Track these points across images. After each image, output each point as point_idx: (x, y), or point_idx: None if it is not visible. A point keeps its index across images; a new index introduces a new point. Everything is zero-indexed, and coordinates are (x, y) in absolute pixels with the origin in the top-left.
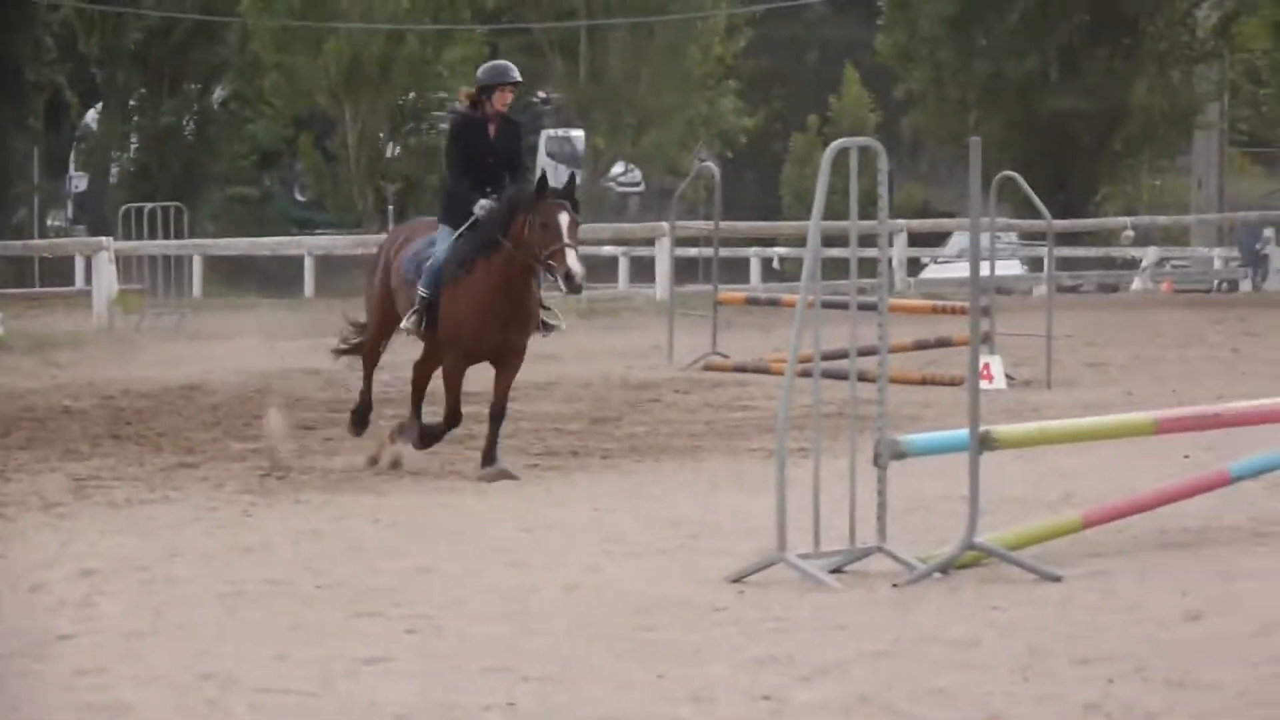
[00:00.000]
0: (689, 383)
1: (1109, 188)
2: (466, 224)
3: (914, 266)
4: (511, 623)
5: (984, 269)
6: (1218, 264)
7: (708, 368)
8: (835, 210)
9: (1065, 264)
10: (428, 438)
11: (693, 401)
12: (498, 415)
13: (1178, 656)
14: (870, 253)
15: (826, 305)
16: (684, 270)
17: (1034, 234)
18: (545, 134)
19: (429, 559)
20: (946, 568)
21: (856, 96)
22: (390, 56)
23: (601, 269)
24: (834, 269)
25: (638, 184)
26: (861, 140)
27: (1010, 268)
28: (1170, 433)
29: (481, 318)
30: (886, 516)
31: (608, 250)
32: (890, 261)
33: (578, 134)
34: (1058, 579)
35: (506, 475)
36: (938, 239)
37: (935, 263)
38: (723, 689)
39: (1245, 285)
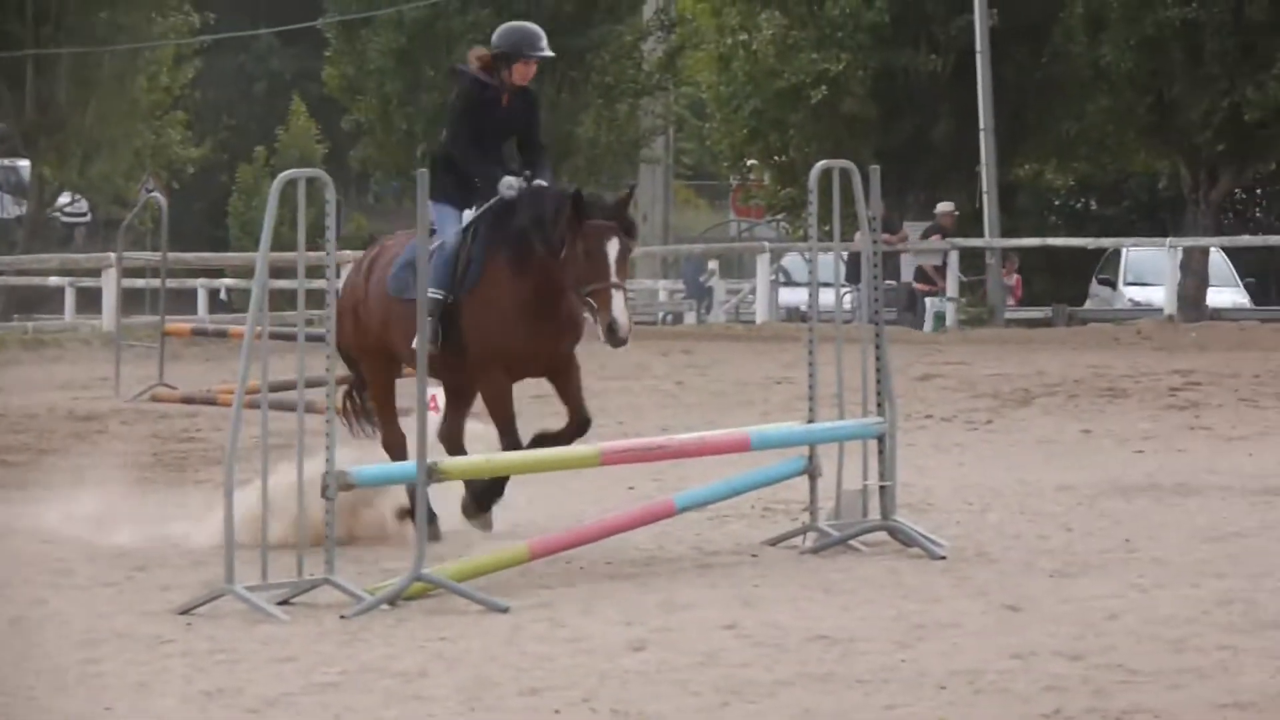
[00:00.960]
0: (136, 414)
1: None
2: (485, 206)
3: None
4: None
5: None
6: (663, 296)
7: (155, 399)
8: (283, 241)
9: None
10: (484, 497)
11: (140, 432)
12: (583, 426)
13: (623, 687)
14: (318, 284)
15: (274, 336)
16: (131, 301)
17: None
18: None
19: None
20: (394, 599)
21: (304, 128)
22: None
23: (47, 300)
24: (282, 300)
25: (84, 214)
26: (309, 171)
27: None
28: (615, 464)
29: (527, 325)
30: (335, 548)
31: (54, 281)
32: (337, 293)
33: (24, 164)
34: (505, 610)
35: None
36: None
37: None
38: None
39: (690, 318)
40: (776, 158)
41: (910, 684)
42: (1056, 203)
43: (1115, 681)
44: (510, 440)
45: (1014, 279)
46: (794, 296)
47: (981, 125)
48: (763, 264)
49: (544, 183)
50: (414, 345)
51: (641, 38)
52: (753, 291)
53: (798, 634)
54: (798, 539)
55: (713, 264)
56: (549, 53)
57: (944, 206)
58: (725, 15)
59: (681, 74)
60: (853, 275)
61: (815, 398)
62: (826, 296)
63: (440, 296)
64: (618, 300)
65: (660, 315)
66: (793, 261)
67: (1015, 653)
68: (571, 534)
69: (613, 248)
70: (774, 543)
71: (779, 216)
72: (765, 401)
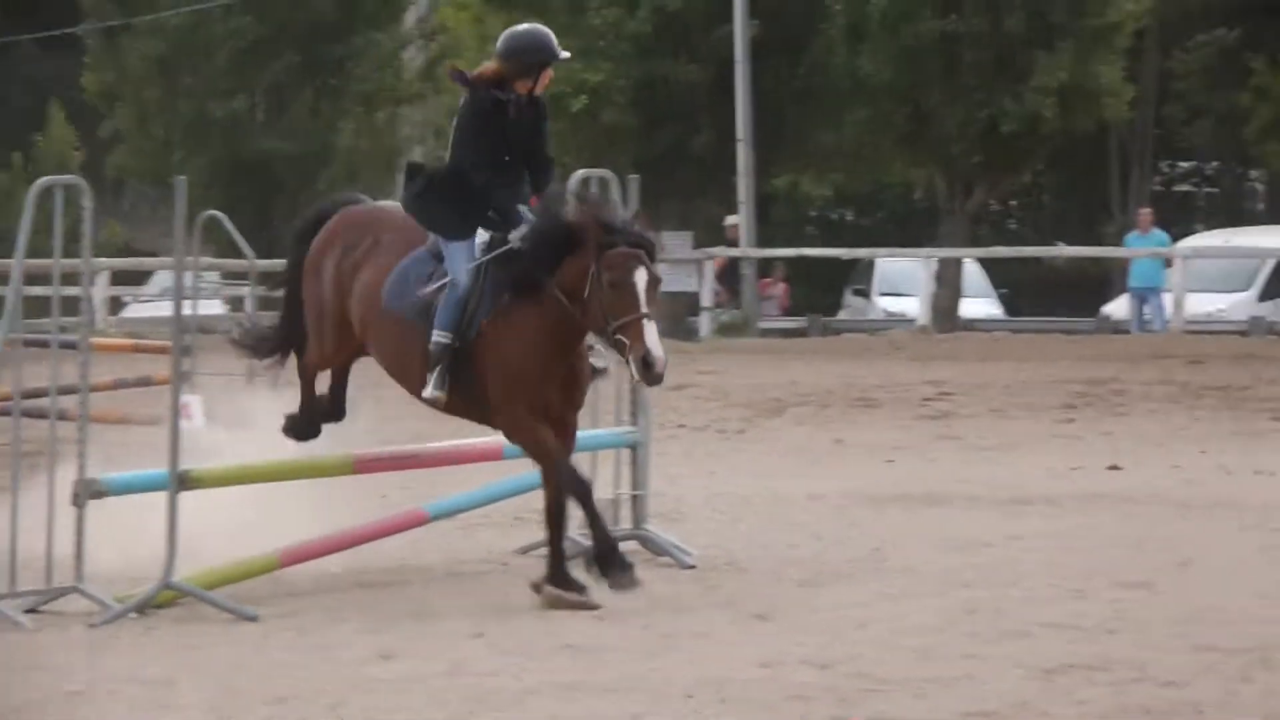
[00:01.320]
0: None
1: None
2: (496, 251)
3: (116, 305)
4: None
5: (186, 308)
6: None
7: None
8: (38, 248)
9: (268, 304)
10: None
11: None
12: (557, 516)
13: (369, 695)
14: (73, 291)
15: (28, 344)
16: None
17: (237, 273)
18: None
19: None
20: (143, 607)
21: (61, 134)
22: None
23: None
24: (36, 307)
25: None
26: (66, 178)
27: (213, 307)
28: (368, 472)
29: (540, 374)
30: (84, 556)
31: None
32: (92, 300)
33: None
34: (254, 618)
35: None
36: (140, 277)
37: (137, 301)
38: None
39: None
40: None
41: (657, 693)
42: (813, 213)
43: (860, 690)
44: (567, 476)
45: (780, 288)
46: None
47: (739, 135)
48: None
49: (557, 210)
50: (426, 393)
51: (402, 46)
52: None
53: (546, 643)
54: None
55: None
56: (566, 54)
57: (732, 219)
58: (486, 24)
59: (441, 83)
60: None
61: None
62: None
63: (447, 341)
64: (650, 332)
65: None
66: None
67: (762, 661)
68: (322, 542)
69: (640, 277)
70: (524, 551)
71: None
72: None
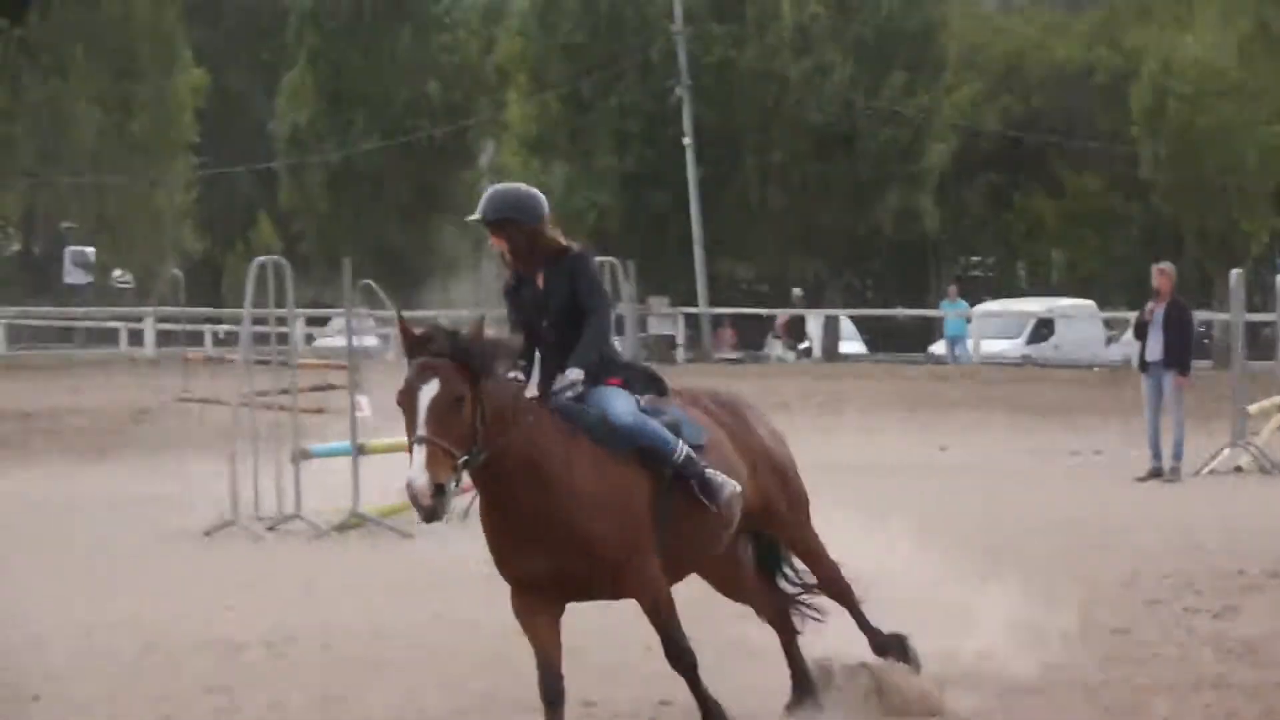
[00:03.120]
0: None
1: None
2: None
3: (309, 339)
4: None
5: (355, 341)
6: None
7: None
8: (257, 303)
9: None
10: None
11: None
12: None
13: None
14: (281, 330)
15: (258, 362)
16: None
17: (384, 319)
18: None
19: None
20: (344, 528)
21: (267, 229)
22: None
23: None
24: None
25: None
26: (273, 258)
27: (368, 340)
28: None
29: (497, 538)
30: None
31: None
32: (294, 335)
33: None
34: (410, 535)
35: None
36: (323, 321)
37: (322, 337)
38: None
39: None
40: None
41: None
42: (743, 287)
43: None
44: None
45: (730, 333)
46: None
47: (695, 239)
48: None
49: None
50: None
51: (480, 178)
52: None
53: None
54: None
55: None
56: (509, 215)
57: (797, 291)
58: (529, 164)
59: None
60: None
61: None
62: None
63: None
64: (416, 457)
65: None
66: None
67: None
68: None
69: (423, 395)
70: None
71: None
72: None
